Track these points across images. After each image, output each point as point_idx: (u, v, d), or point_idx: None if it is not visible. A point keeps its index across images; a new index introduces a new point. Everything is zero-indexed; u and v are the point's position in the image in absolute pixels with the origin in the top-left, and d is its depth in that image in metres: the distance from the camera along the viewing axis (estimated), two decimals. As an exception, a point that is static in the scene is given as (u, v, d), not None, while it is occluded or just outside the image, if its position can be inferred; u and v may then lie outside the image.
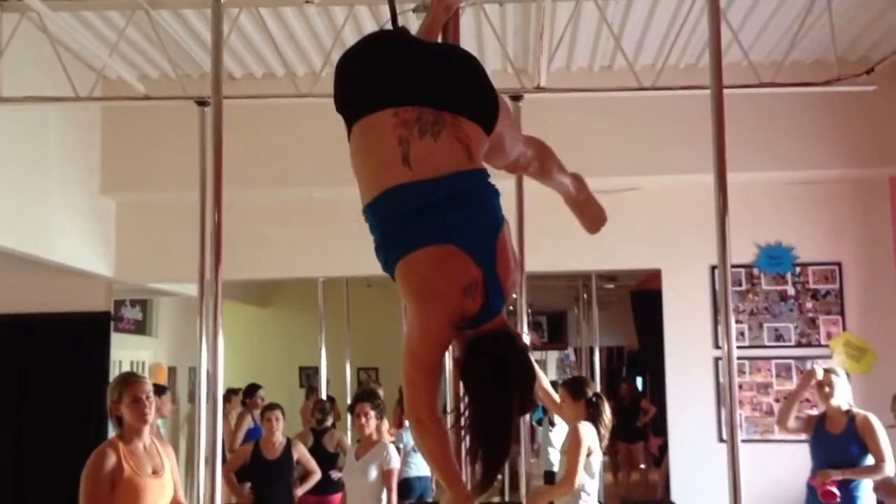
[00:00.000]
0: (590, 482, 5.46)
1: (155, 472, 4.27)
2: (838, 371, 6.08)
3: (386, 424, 8.23)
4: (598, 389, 5.92)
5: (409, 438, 7.90)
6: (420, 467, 8.08)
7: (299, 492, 7.16)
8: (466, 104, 2.29)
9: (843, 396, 5.95)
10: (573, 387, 5.60)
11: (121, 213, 7.99)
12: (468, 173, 2.23)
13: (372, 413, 6.34)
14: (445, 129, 2.22)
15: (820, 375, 5.97)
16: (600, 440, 5.49)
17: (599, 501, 6.15)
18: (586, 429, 5.46)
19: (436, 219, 2.18)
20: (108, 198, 7.79)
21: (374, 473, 6.27)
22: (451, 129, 2.23)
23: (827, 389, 5.93)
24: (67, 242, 7.16)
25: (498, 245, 2.22)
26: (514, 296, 5.55)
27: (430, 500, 8.04)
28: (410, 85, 2.27)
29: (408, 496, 7.95)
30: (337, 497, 8.10)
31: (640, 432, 10.74)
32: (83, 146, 7.39)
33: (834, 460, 5.76)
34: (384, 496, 6.29)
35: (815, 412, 6.38)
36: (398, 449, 7.22)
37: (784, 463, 7.42)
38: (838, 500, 5.62)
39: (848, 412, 5.90)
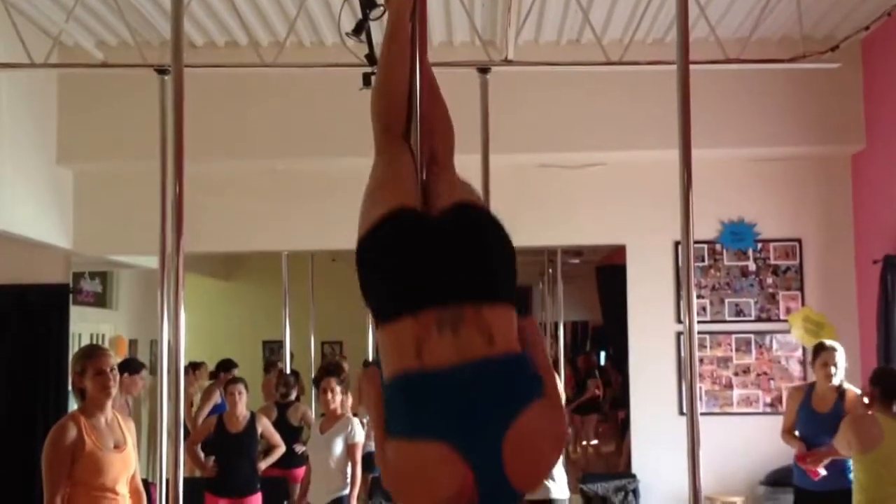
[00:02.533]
0: None
1: (117, 447, 4.23)
2: (838, 346, 5.85)
3: (350, 399, 8.23)
4: (557, 365, 5.94)
5: None
6: None
7: (263, 465, 7.13)
8: (486, 293, 2.21)
9: (841, 374, 5.78)
10: None
11: (78, 184, 7.87)
12: (482, 361, 2.13)
13: (338, 388, 6.34)
14: (465, 324, 2.14)
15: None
16: None
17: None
18: None
19: (434, 410, 2.09)
20: (65, 168, 7.67)
21: (339, 447, 6.27)
22: (471, 322, 2.15)
23: (832, 370, 5.73)
24: (23, 213, 7.04)
25: (507, 439, 2.06)
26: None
27: None
28: (427, 288, 2.19)
29: (372, 469, 7.96)
30: (301, 470, 8.08)
31: (593, 406, 10.82)
32: (38, 115, 7.25)
33: (819, 439, 5.60)
34: (349, 470, 6.29)
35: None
36: (363, 423, 7.21)
37: (743, 435, 7.51)
38: (820, 476, 5.57)
39: (839, 388, 5.74)
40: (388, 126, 2.57)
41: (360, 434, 6.36)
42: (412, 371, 2.11)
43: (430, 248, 2.23)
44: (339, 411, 6.36)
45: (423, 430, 2.05)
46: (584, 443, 10.91)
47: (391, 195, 2.33)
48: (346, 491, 6.27)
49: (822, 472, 5.55)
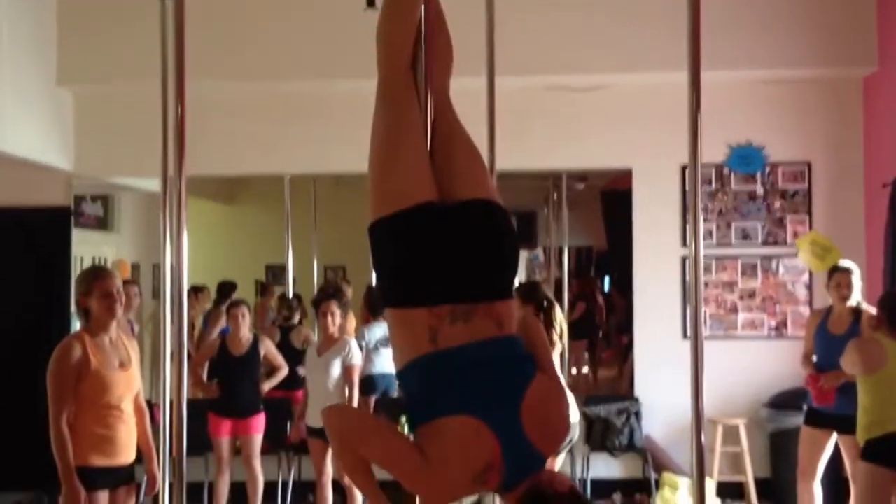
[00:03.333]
0: None
1: (122, 366, 4.24)
2: (853, 268, 5.87)
3: (353, 322, 8.24)
4: (552, 295, 5.91)
5: (371, 336, 7.95)
6: (384, 364, 8.11)
7: (266, 387, 7.16)
8: (498, 293, 2.35)
9: (857, 295, 5.80)
10: (525, 291, 5.63)
11: (79, 106, 7.79)
12: (492, 341, 2.27)
13: (337, 311, 6.33)
14: (477, 315, 2.28)
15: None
16: (551, 344, 5.52)
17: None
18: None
19: (454, 386, 2.22)
20: (66, 89, 7.57)
21: (336, 369, 6.29)
22: (482, 313, 2.29)
23: (846, 291, 5.75)
24: (22, 134, 6.97)
25: (523, 409, 2.22)
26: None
27: (393, 396, 8.10)
28: (444, 287, 2.29)
29: (371, 392, 7.99)
30: (303, 392, 8.13)
31: (583, 330, 10.82)
32: (38, 35, 7.14)
33: (836, 361, 5.51)
34: (346, 392, 6.32)
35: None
36: (361, 346, 7.26)
37: (747, 359, 7.52)
38: (834, 402, 5.59)
39: (856, 310, 5.76)
40: (394, 54, 2.54)
41: (357, 357, 6.38)
42: (428, 354, 2.23)
43: (450, 248, 2.31)
44: (336, 334, 6.36)
45: (448, 408, 2.17)
46: (576, 371, 10.88)
47: (411, 179, 2.36)
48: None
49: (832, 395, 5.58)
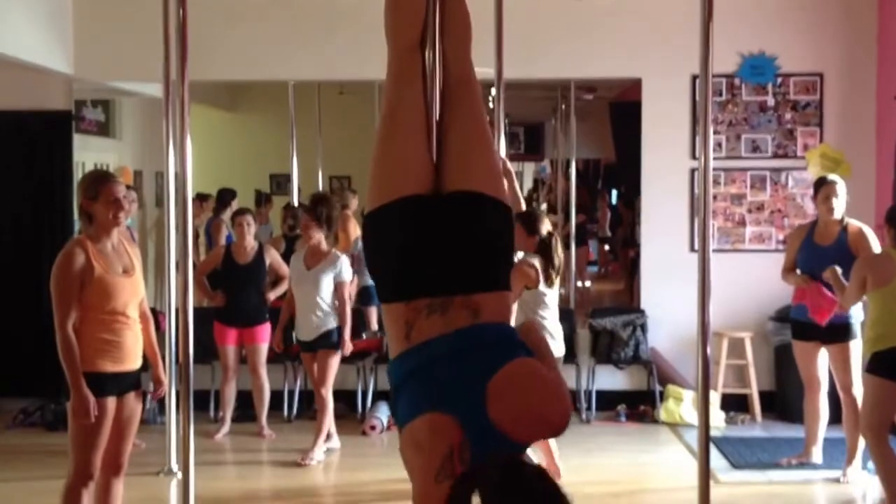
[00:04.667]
0: (544, 311, 5.56)
1: (126, 272, 4.19)
2: (839, 180, 5.86)
3: (357, 231, 8.20)
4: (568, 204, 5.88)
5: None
6: None
7: (271, 296, 7.14)
8: (477, 285, 2.34)
9: (842, 206, 5.79)
10: (527, 221, 5.59)
11: (79, 7, 7.62)
12: (468, 327, 2.28)
13: (314, 223, 6.22)
14: (453, 307, 2.29)
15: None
16: (548, 279, 5.53)
17: (570, 309, 6.21)
18: (528, 265, 5.53)
19: (424, 383, 2.25)
20: (65, -10, 7.41)
21: (326, 284, 6.24)
22: (459, 305, 2.30)
23: (833, 203, 5.73)
24: (21, 36, 6.83)
25: (489, 392, 2.18)
26: (492, 106, 5.45)
27: None
28: (420, 279, 2.32)
29: (370, 303, 8.04)
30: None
31: (587, 238, 10.82)
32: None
33: (822, 272, 5.58)
34: (335, 304, 6.30)
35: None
36: (354, 257, 7.28)
37: (753, 272, 7.48)
38: (829, 316, 5.60)
39: (841, 222, 5.76)
40: (398, 35, 2.52)
41: (347, 273, 6.34)
42: (402, 352, 2.29)
43: (427, 241, 2.34)
44: (322, 247, 6.28)
45: (422, 405, 2.20)
46: (579, 284, 10.87)
47: (398, 173, 2.37)
48: (334, 325, 6.29)
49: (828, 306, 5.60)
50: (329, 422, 6.39)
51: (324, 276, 6.24)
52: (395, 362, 2.33)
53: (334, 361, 6.32)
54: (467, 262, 2.34)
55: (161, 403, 6.35)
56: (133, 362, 4.21)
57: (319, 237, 6.26)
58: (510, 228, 2.50)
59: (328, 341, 6.27)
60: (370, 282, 7.73)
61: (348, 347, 6.33)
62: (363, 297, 7.94)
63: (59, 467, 4.32)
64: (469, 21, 2.61)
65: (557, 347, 5.59)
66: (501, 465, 2.04)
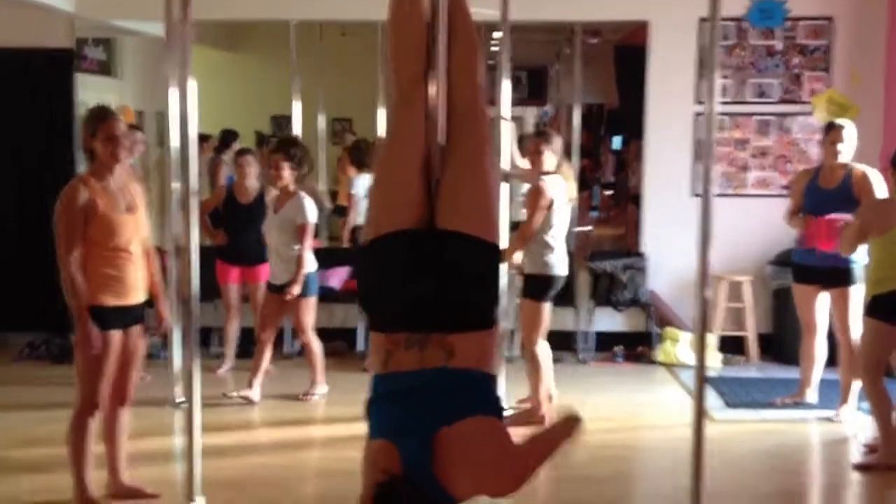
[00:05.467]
0: (555, 230, 5.66)
1: (129, 209, 4.22)
2: (847, 125, 5.85)
3: (354, 172, 8.24)
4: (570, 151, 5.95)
5: (360, 187, 8.01)
6: None
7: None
8: (455, 326, 2.37)
9: (849, 150, 5.80)
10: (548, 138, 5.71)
11: (79, -58, 7.57)
12: (438, 370, 2.32)
13: (286, 164, 6.13)
14: (430, 344, 2.34)
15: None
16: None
17: (570, 252, 6.24)
18: (550, 182, 5.61)
19: (386, 410, 2.35)
20: (64, -77, 7.34)
21: (292, 227, 6.16)
22: (436, 343, 2.34)
23: (839, 147, 5.75)
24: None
25: (437, 441, 2.23)
26: (495, 49, 5.45)
27: None
28: (401, 315, 2.39)
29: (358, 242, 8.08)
30: (315, 243, 8.16)
31: (589, 184, 10.82)
32: None
33: (824, 214, 5.68)
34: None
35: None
36: (350, 196, 7.34)
37: (755, 217, 7.50)
38: (833, 246, 5.62)
39: (846, 167, 5.78)
40: (400, 68, 2.54)
41: (310, 214, 6.19)
42: (380, 375, 2.40)
43: (410, 279, 2.39)
44: (290, 189, 6.19)
45: (375, 432, 2.33)
46: (581, 228, 10.88)
47: (390, 209, 2.41)
48: (305, 269, 6.19)
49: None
50: (319, 365, 6.42)
51: (289, 219, 6.15)
52: (374, 379, 2.44)
53: (307, 305, 6.28)
54: (447, 303, 2.38)
55: (165, 339, 6.42)
56: (136, 297, 4.27)
57: (290, 178, 6.17)
58: (495, 271, 2.52)
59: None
60: (361, 220, 7.82)
61: (293, 291, 6.15)
62: (355, 235, 8.01)
63: (66, 398, 4.38)
64: (475, 45, 2.59)
65: (560, 267, 5.70)
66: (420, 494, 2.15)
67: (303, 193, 6.27)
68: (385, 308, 2.42)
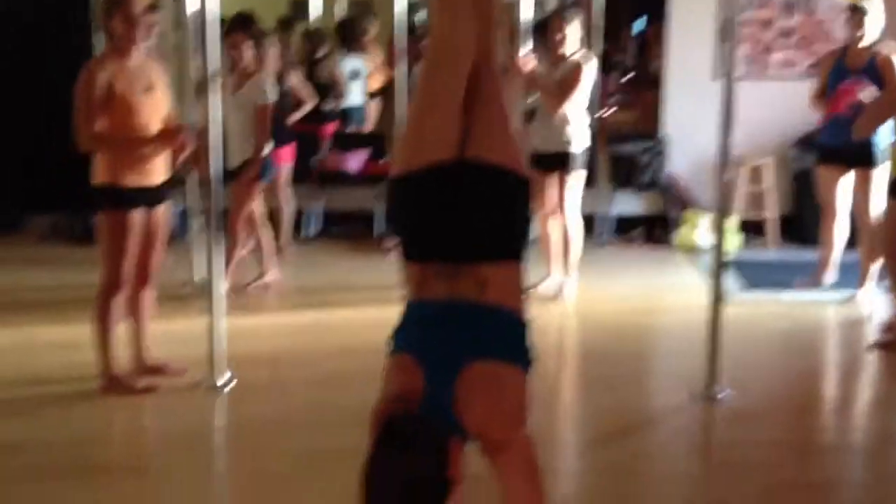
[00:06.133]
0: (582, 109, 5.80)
1: (148, 90, 4.21)
2: (871, 6, 5.76)
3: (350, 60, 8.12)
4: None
5: (344, 68, 7.99)
6: (354, 98, 8.19)
7: (293, 119, 7.17)
8: (487, 255, 2.40)
9: (874, 32, 5.74)
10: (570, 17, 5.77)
11: None
12: (469, 304, 2.34)
13: (248, 42, 5.93)
14: (462, 275, 2.36)
15: None
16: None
17: (591, 135, 6.23)
18: (592, 67, 5.73)
19: (415, 331, 2.38)
20: None
21: (249, 109, 5.90)
22: (468, 274, 2.36)
23: (863, 29, 5.71)
24: None
25: (462, 375, 2.24)
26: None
27: (363, 130, 8.31)
28: (435, 246, 2.42)
29: (345, 125, 8.16)
30: (330, 127, 8.15)
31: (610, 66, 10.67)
32: None
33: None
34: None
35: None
36: (335, 74, 7.30)
37: (777, 99, 7.43)
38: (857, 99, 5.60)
39: (870, 49, 5.72)
40: (439, 35, 2.55)
41: (270, 95, 6.00)
42: (412, 301, 2.42)
43: (444, 209, 2.41)
44: (250, 69, 5.97)
45: (402, 347, 2.36)
46: (601, 112, 10.78)
47: (423, 143, 2.43)
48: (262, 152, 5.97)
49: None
50: (267, 253, 6.26)
51: (249, 100, 5.92)
52: (406, 305, 2.46)
53: (251, 191, 5.99)
54: (480, 233, 2.40)
55: (186, 221, 6.48)
56: (159, 176, 4.29)
57: (250, 58, 5.98)
58: (527, 202, 2.53)
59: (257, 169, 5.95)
60: (345, 104, 8.09)
61: (250, 174, 5.92)
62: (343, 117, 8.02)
63: (91, 279, 4.46)
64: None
65: (579, 142, 5.80)
66: (428, 438, 2.14)
67: (263, 74, 6.07)
68: (418, 238, 2.45)
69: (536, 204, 5.98)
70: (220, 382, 4.37)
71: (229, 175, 5.95)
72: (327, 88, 8.00)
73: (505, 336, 2.35)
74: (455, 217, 2.40)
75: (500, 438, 2.26)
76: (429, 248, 2.42)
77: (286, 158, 7.01)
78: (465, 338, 2.30)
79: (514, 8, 5.90)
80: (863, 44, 5.73)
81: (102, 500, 3.22)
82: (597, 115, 8.15)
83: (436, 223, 2.42)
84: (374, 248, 7.28)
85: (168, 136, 4.26)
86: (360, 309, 5.68)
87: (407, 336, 2.38)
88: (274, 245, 6.40)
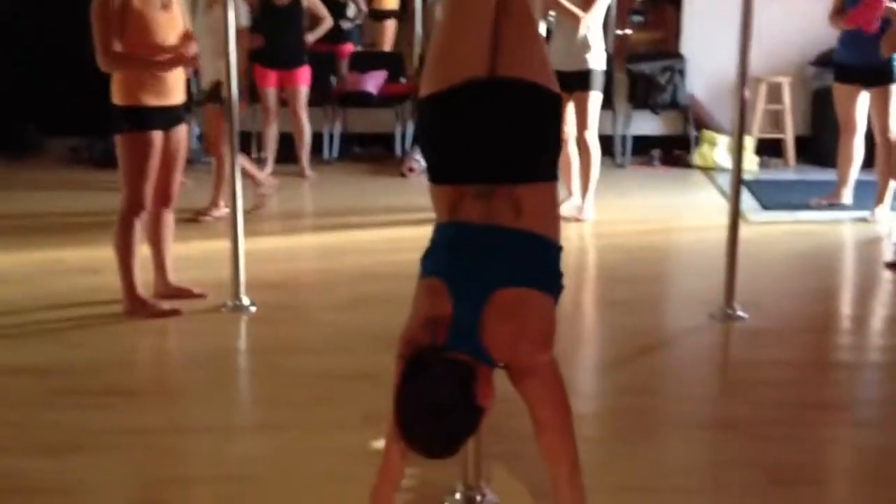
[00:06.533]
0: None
1: (165, 7, 4.19)
2: None
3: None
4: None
5: None
6: None
7: (310, 38, 7.12)
8: (522, 175, 2.36)
9: None
10: None
11: None
12: (504, 229, 2.31)
13: None
14: (497, 197, 2.32)
15: None
16: None
17: (609, 54, 6.18)
18: None
19: (447, 256, 2.33)
20: None
21: (217, 29, 5.54)
22: (503, 196, 2.32)
23: None
24: None
25: (492, 300, 2.22)
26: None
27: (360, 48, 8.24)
28: (469, 166, 2.37)
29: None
30: (348, 46, 8.10)
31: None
32: None
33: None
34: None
35: None
36: None
37: (796, 16, 7.32)
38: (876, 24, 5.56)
39: None
40: None
41: (243, 17, 5.87)
42: (445, 223, 2.38)
43: (477, 128, 2.36)
44: None
45: (432, 271, 2.33)
46: (620, 31, 10.65)
47: (453, 63, 2.38)
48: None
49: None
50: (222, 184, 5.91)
51: (217, 20, 5.52)
52: (437, 228, 2.44)
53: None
54: (514, 151, 2.36)
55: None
56: (176, 97, 4.28)
57: None
58: (559, 120, 2.50)
59: (218, 93, 5.52)
60: None
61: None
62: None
63: (112, 203, 4.48)
64: None
65: (596, 61, 5.79)
66: (456, 368, 2.13)
67: None
68: (450, 158, 2.41)
69: None
70: (242, 306, 4.42)
71: (205, 96, 5.96)
72: (344, 7, 7.93)
73: (536, 264, 2.34)
74: (489, 135, 2.36)
75: (526, 364, 2.27)
76: (462, 169, 2.38)
77: (303, 80, 6.99)
78: (496, 264, 2.29)
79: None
80: None
81: (127, 423, 3.27)
82: (615, 34, 8.07)
83: (469, 142, 2.38)
84: (395, 169, 7.28)
85: (186, 50, 4.27)
86: (381, 231, 5.70)
87: (437, 260, 2.36)
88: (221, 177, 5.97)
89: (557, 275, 2.38)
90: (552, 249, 2.39)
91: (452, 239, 2.37)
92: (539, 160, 2.40)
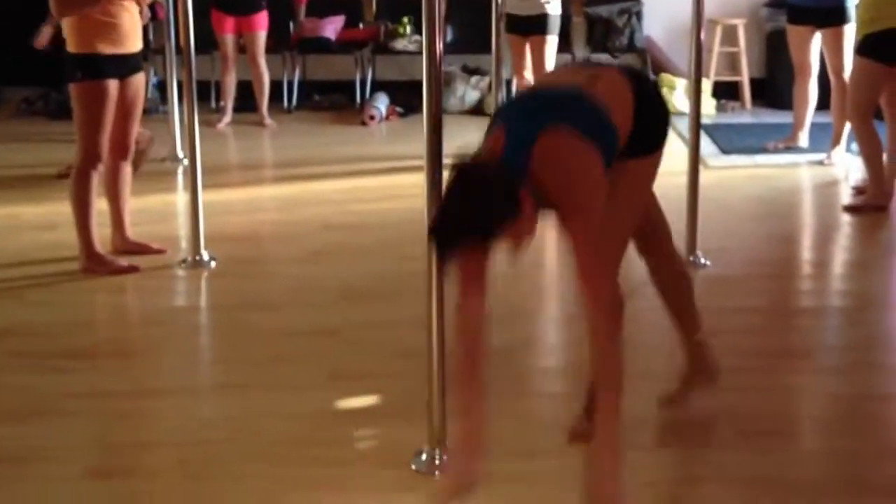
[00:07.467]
0: None
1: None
2: None
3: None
4: None
5: None
6: None
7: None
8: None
9: None
10: None
11: None
12: (573, 86, 2.44)
13: None
14: (583, 68, 2.59)
15: None
16: None
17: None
18: None
19: (514, 104, 2.63)
20: None
21: None
22: (596, 72, 2.52)
23: None
24: None
25: (538, 142, 2.29)
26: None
27: None
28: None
29: None
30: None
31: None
32: None
33: None
34: None
35: None
36: None
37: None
38: None
39: None
40: None
41: None
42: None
43: None
44: None
45: (496, 121, 2.44)
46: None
47: None
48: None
49: None
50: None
51: None
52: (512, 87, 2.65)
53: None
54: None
55: (163, 93, 6.35)
56: (133, 45, 4.16)
57: None
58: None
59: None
60: None
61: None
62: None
63: (66, 156, 4.39)
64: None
65: (554, 5, 5.81)
66: (506, 179, 2.23)
67: None
68: None
69: (513, 69, 5.94)
70: (202, 261, 4.36)
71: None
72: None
73: (591, 119, 2.39)
74: None
75: (567, 203, 2.33)
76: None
77: (261, 26, 6.87)
78: (552, 107, 2.39)
79: None
80: None
81: (87, 387, 3.20)
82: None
83: None
84: (355, 118, 7.21)
85: None
86: (342, 181, 5.56)
87: (504, 110, 2.55)
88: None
89: (608, 138, 2.42)
90: (610, 123, 2.43)
91: (522, 93, 2.54)
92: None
